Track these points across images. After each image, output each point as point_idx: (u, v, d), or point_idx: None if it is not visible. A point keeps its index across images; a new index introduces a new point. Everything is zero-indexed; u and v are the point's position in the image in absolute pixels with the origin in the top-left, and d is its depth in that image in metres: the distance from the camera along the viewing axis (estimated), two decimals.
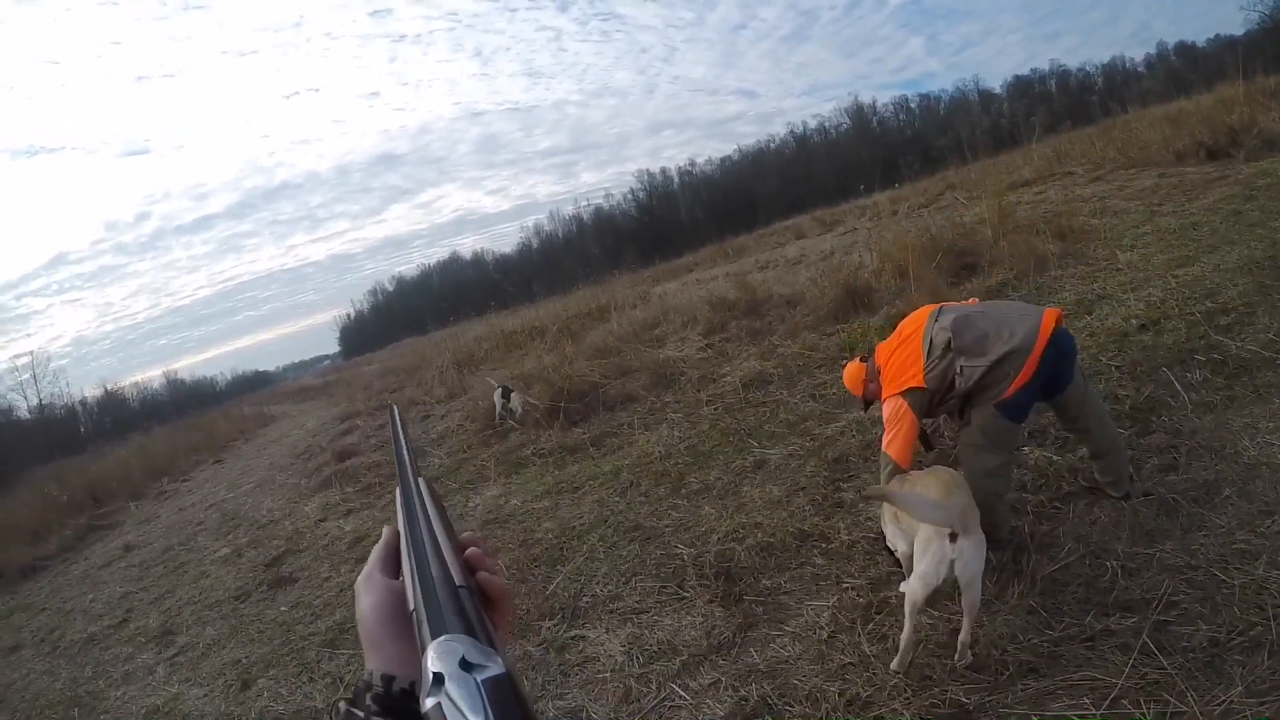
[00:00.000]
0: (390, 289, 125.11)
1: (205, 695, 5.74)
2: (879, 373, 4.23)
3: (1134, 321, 6.52)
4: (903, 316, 8.09)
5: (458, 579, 0.67)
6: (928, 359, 3.86)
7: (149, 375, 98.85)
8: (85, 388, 76.15)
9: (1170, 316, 6.43)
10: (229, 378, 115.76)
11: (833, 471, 5.52)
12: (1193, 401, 4.96)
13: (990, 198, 11.57)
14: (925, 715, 3.11)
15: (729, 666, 3.79)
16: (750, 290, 12.11)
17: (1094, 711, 2.87)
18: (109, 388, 71.75)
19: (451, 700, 0.50)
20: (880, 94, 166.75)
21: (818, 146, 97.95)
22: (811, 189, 72.78)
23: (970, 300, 4.55)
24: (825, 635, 3.75)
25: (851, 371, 4.55)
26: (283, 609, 6.77)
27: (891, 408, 3.95)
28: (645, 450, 7.30)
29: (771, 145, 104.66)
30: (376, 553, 0.83)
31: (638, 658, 4.09)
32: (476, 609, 0.64)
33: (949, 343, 3.80)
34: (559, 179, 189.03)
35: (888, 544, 3.95)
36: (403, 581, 0.76)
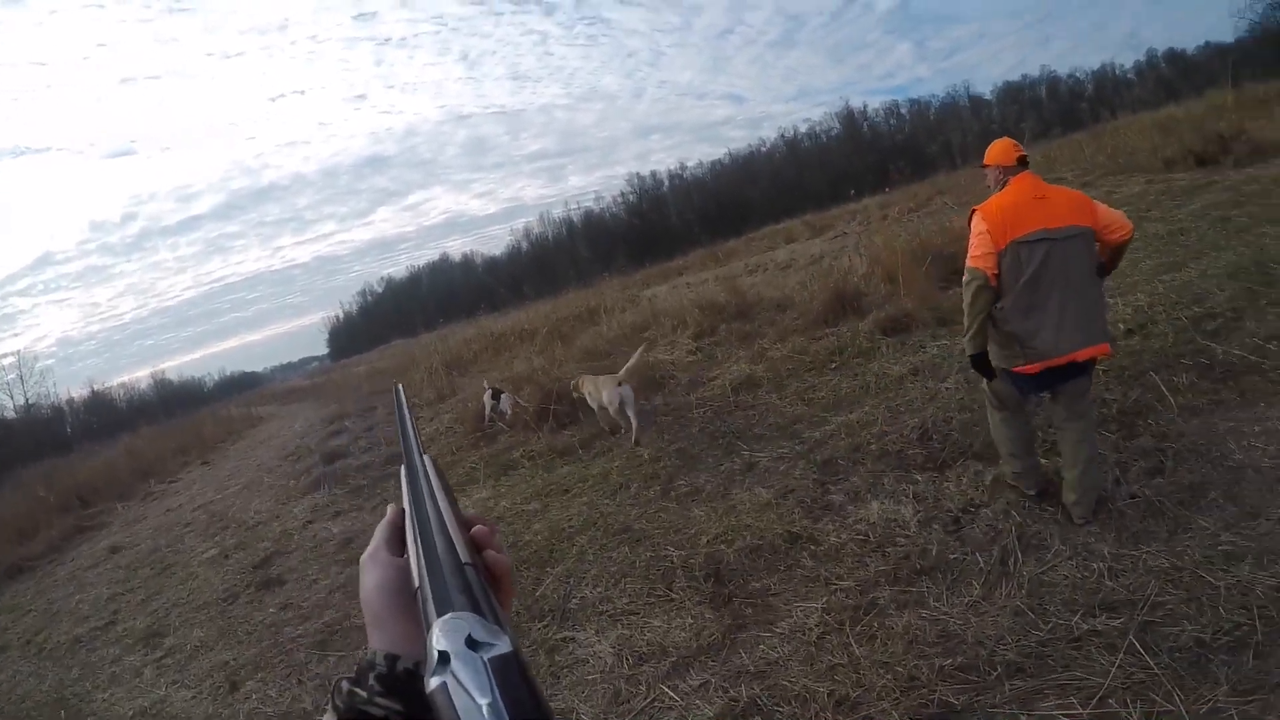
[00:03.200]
0: (379, 290, 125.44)
1: (193, 697, 5.73)
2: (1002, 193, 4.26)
3: (1121, 326, 6.60)
4: (892, 320, 8.23)
5: (464, 556, 0.66)
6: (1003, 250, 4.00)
7: (136, 376, 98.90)
8: (72, 388, 76.09)
9: (1157, 321, 6.51)
10: (217, 379, 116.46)
11: (822, 474, 5.54)
12: (1179, 405, 5.01)
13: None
14: (914, 715, 3.13)
15: (718, 668, 3.80)
16: (740, 294, 12.13)
17: (1081, 711, 2.89)
18: (96, 388, 71.97)
19: (457, 679, 0.49)
20: (871, 99, 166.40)
21: (809, 151, 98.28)
22: (802, 193, 73.13)
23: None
24: (814, 636, 3.77)
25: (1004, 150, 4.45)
26: (271, 611, 6.76)
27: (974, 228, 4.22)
28: (635, 453, 7.33)
29: (762, 149, 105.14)
30: (381, 530, 0.82)
31: (627, 659, 4.10)
32: (483, 587, 0.63)
33: (1013, 283, 3.99)
34: (547, 182, 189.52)
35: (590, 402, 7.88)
36: (407, 559, 0.75)
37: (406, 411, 1.03)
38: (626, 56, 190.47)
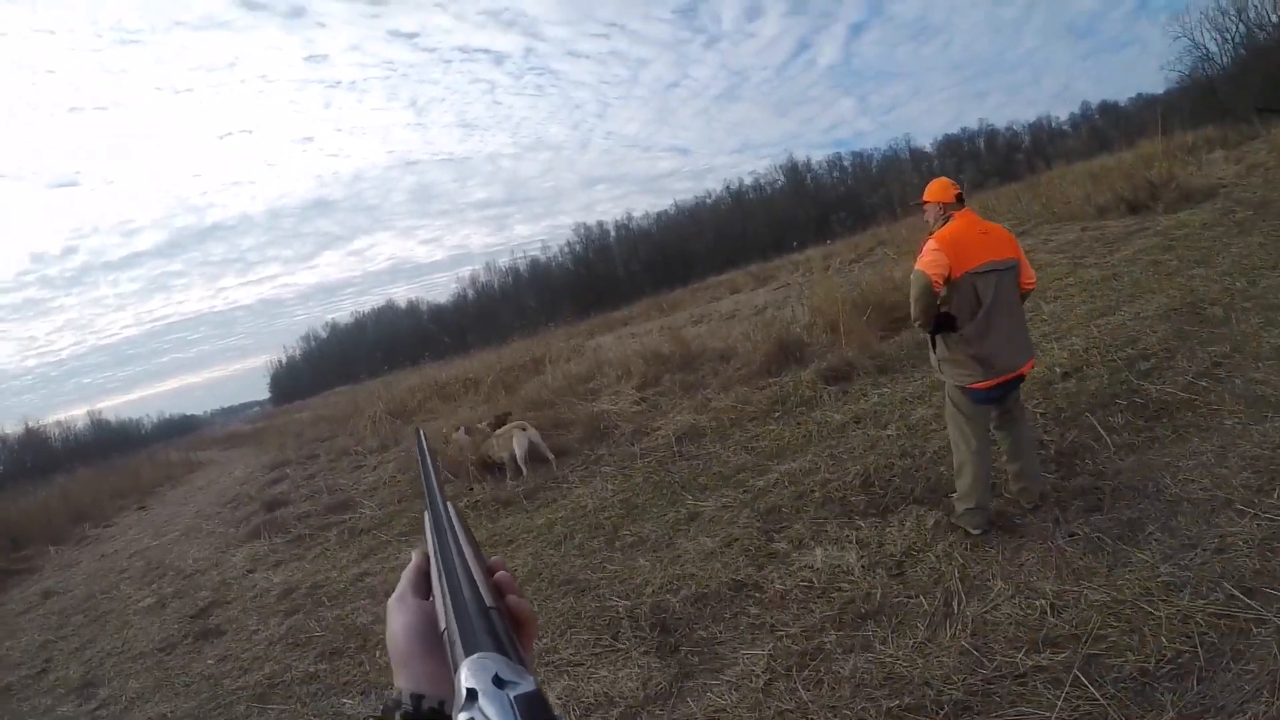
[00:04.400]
0: (323, 335, 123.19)
1: None
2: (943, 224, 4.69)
3: (1058, 370, 6.86)
4: (833, 370, 8.41)
5: (488, 600, 0.68)
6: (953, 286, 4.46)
7: (72, 414, 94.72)
8: (5, 424, 73.06)
9: (1093, 364, 6.79)
10: (155, 421, 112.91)
11: (765, 522, 5.59)
12: (1115, 444, 5.22)
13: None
14: None
15: (666, 717, 3.79)
16: (684, 344, 12.25)
17: None
18: (30, 425, 69.25)
19: (485, 715, 0.52)
20: (814, 152, 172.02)
21: (753, 202, 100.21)
22: (747, 244, 74.30)
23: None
24: (761, 683, 3.78)
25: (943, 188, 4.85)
26: (210, 662, 6.58)
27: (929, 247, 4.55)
28: (579, 503, 7.33)
29: (708, 201, 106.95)
30: (407, 575, 0.86)
31: (574, 710, 4.08)
32: (507, 630, 0.65)
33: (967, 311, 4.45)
34: (493, 230, 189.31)
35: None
36: (433, 602, 0.78)
37: (429, 457, 1.04)
38: (574, 107, 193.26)
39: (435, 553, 0.81)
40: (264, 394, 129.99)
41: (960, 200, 4.74)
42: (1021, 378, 4.59)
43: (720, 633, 4.40)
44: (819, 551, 4.87)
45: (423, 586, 0.83)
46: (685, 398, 9.77)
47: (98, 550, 14.40)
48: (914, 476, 5.58)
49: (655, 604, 4.85)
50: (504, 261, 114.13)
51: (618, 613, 4.89)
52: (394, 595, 0.83)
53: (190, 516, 14.97)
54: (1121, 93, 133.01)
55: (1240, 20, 54.73)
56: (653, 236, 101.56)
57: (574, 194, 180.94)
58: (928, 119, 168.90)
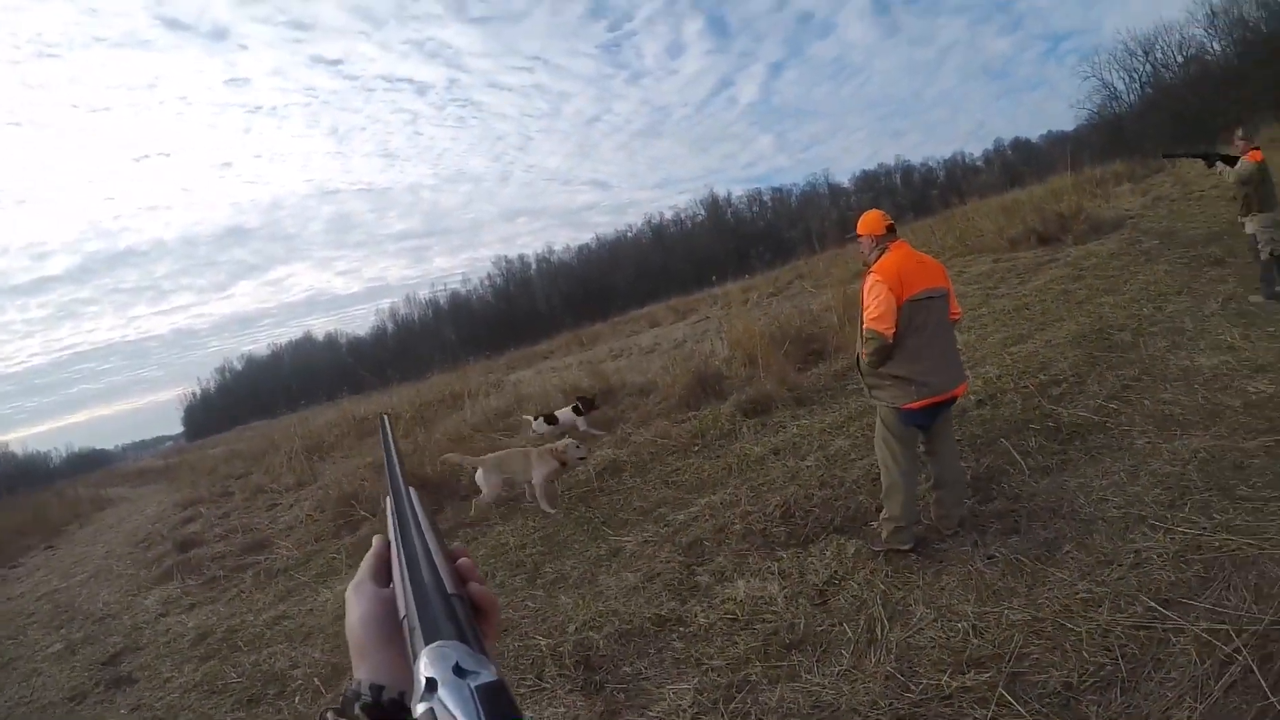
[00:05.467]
0: (239, 368, 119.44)
1: None
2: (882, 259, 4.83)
3: (973, 398, 7.08)
4: (752, 402, 8.54)
5: (450, 587, 0.68)
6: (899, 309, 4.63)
7: None
8: None
9: (1006, 391, 7.05)
10: (64, 454, 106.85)
11: (688, 556, 5.62)
12: (1030, 467, 5.42)
13: (836, 286, 12.26)
14: None
15: None
16: (604, 379, 12.30)
17: None
18: None
19: (444, 704, 0.51)
20: (734, 187, 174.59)
21: (674, 237, 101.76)
22: (667, 278, 75.37)
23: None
24: (689, 718, 3.78)
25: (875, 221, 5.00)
26: (123, 712, 6.30)
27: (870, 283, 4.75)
28: (500, 540, 7.25)
29: (629, 235, 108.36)
30: (367, 562, 0.84)
31: None
32: (469, 617, 0.65)
33: (901, 329, 4.64)
34: (412, 263, 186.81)
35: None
36: (393, 590, 0.77)
37: (393, 443, 1.04)
38: (496, 139, 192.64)
39: (396, 539, 0.80)
40: (177, 428, 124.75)
41: (892, 231, 4.93)
42: (953, 400, 4.77)
43: (645, 668, 4.39)
44: (741, 584, 4.90)
45: (383, 574, 0.82)
46: (605, 432, 9.79)
47: (2, 593, 13.69)
48: (834, 506, 5.67)
49: (579, 641, 4.82)
50: (423, 294, 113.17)
51: (541, 651, 4.84)
52: (352, 583, 0.82)
53: (100, 557, 14.32)
54: (1033, 130, 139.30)
55: (1147, 60, 58.42)
56: (573, 270, 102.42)
57: (494, 226, 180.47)
58: (846, 155, 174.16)
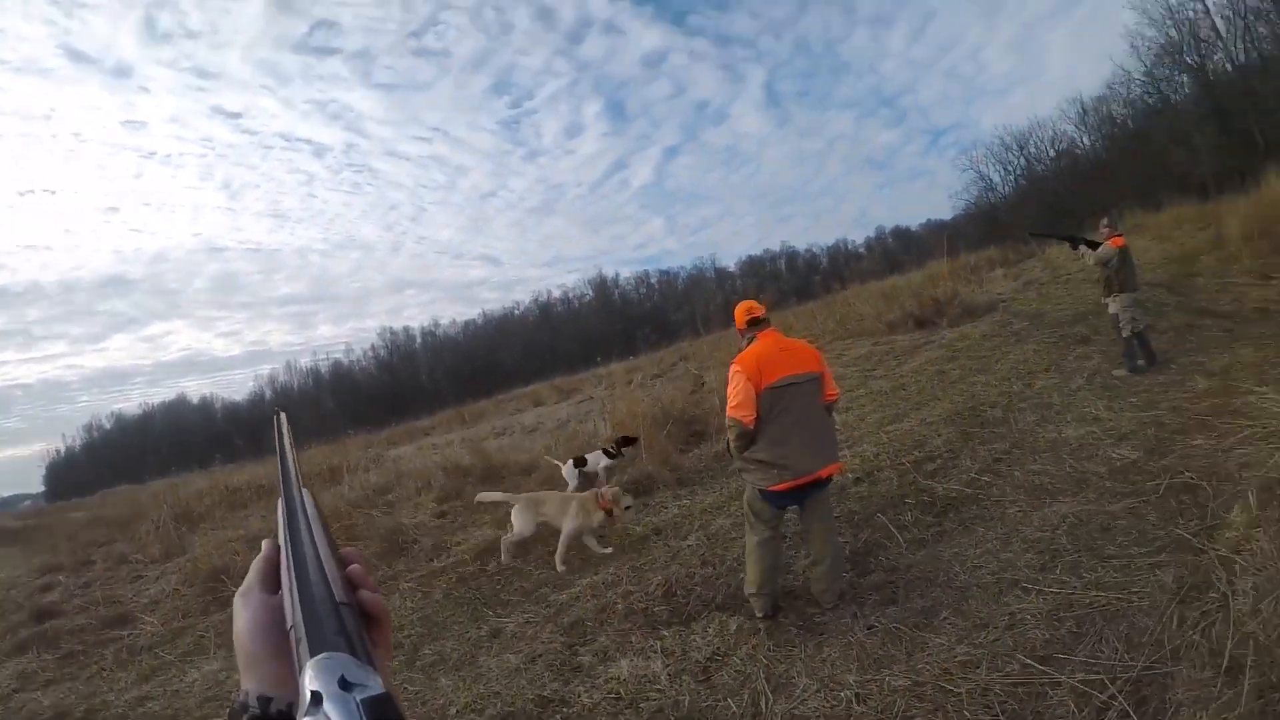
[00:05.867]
0: (107, 426, 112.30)
1: None
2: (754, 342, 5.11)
3: (850, 476, 7.26)
4: (634, 483, 8.57)
5: (339, 595, 0.66)
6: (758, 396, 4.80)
7: None
8: None
9: (883, 468, 7.26)
10: None
11: (570, 637, 5.54)
12: (906, 540, 5.58)
13: (719, 369, 12.43)
14: None
15: None
16: (486, 457, 12.15)
17: None
18: None
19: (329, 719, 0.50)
20: (623, 268, 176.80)
21: (561, 316, 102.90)
22: (554, 357, 75.80)
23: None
24: None
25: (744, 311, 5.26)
26: None
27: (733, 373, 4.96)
28: None
29: (516, 312, 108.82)
30: (256, 566, 0.81)
31: None
32: (358, 627, 0.63)
33: (760, 417, 4.81)
34: (296, 329, 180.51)
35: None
36: (282, 597, 0.73)
37: (288, 441, 0.99)
38: (389, 208, 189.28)
39: (286, 543, 0.77)
40: (37, 486, 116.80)
41: (760, 322, 5.15)
42: (821, 482, 4.87)
43: None
44: (625, 663, 4.85)
45: (271, 580, 0.79)
46: (487, 512, 9.63)
47: None
48: (715, 584, 5.69)
49: None
50: (305, 362, 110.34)
51: None
52: (240, 589, 0.79)
53: None
54: (913, 218, 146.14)
55: (1021, 154, 62.46)
56: (459, 345, 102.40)
57: (382, 297, 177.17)
58: (733, 240, 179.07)
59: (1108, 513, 5.17)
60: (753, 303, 5.28)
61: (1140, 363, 8.90)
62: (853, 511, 6.40)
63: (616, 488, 7.44)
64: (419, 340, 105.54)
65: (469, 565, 7.85)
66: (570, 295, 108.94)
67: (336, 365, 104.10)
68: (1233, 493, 5.00)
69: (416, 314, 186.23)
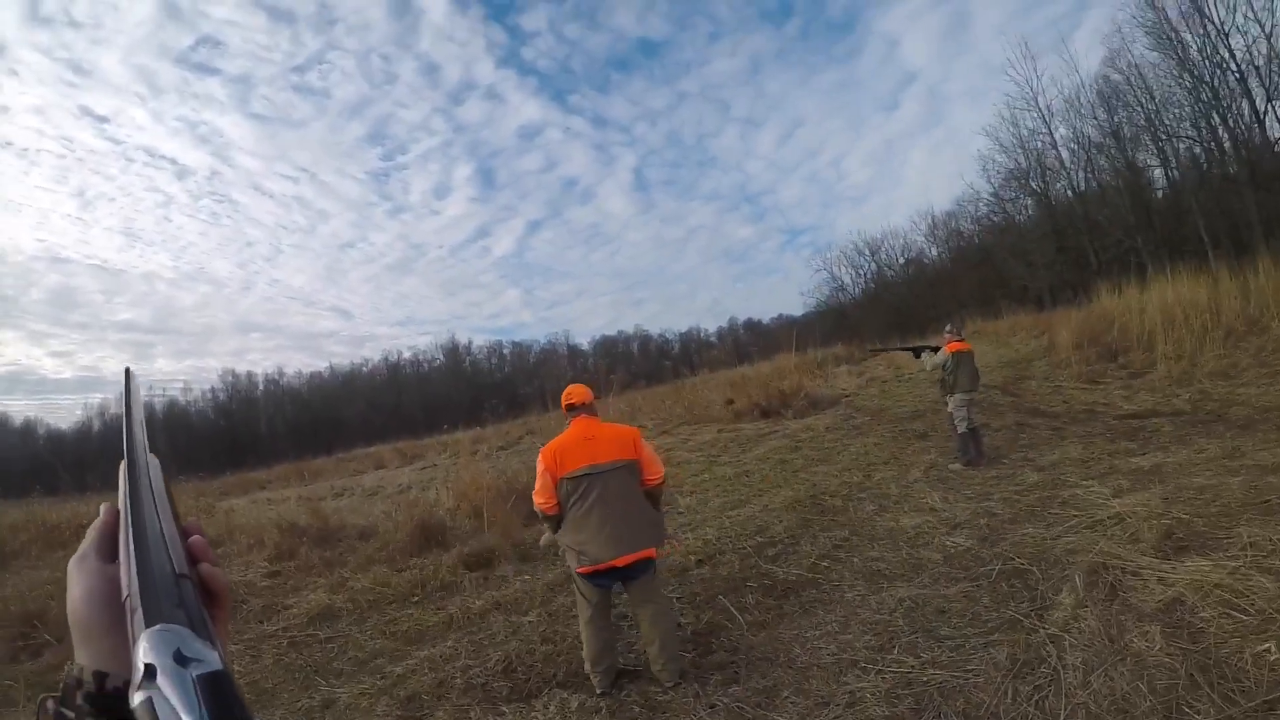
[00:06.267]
0: None
1: None
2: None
3: (693, 558, 7.33)
4: (475, 555, 8.42)
5: (179, 567, 0.63)
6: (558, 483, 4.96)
7: None
8: None
9: (725, 551, 7.35)
10: None
11: (406, 710, 5.31)
12: (748, 622, 5.60)
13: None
14: None
15: None
16: (323, 517, 11.69)
17: None
18: None
19: (163, 694, 0.48)
20: (476, 336, 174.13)
21: (410, 377, 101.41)
22: (399, 419, 74.56)
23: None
24: None
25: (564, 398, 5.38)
26: None
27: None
28: None
29: (364, 369, 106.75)
30: (92, 532, 0.75)
31: None
32: (197, 602, 0.61)
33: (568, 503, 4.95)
34: (133, 358, 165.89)
35: None
36: (119, 566, 0.68)
37: (137, 403, 0.92)
38: (245, 245, 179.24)
39: (126, 509, 0.72)
40: None
41: (575, 409, 5.26)
42: (639, 566, 4.92)
43: None
44: None
45: (109, 547, 0.73)
46: (321, 575, 9.24)
47: None
48: (556, 661, 5.58)
49: None
50: (142, 395, 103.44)
51: None
52: (76, 555, 0.73)
53: None
54: (765, 312, 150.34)
55: (873, 259, 66.43)
56: (303, 397, 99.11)
57: (226, 336, 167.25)
58: (588, 318, 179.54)
59: (943, 596, 5.36)
60: (573, 388, 5.37)
61: (971, 457, 9.40)
62: (695, 593, 6.41)
63: None
64: (261, 387, 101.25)
65: (301, 630, 7.50)
66: (421, 357, 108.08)
67: (172, 404, 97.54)
68: (1060, 576, 5.28)
69: (261, 359, 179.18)
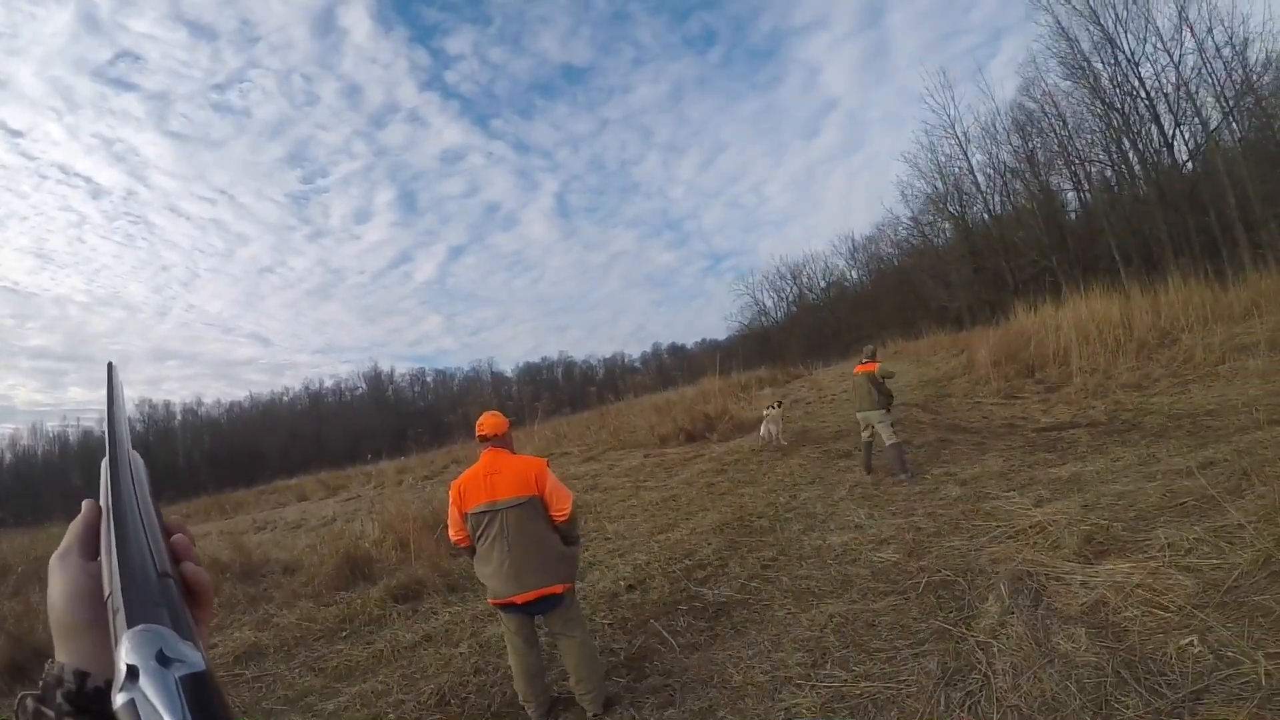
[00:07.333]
0: None
1: None
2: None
3: (623, 583, 7.36)
4: (403, 587, 8.35)
5: (161, 567, 0.63)
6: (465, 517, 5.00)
7: None
8: None
9: (654, 576, 7.39)
10: None
11: None
12: (680, 645, 5.66)
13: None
14: None
15: None
16: (246, 553, 11.43)
17: None
18: None
19: (145, 696, 0.48)
20: (399, 363, 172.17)
21: (331, 406, 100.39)
22: (321, 449, 73.59)
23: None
24: None
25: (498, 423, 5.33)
26: None
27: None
28: None
29: (285, 398, 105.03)
30: (74, 529, 0.75)
31: None
32: (180, 601, 0.61)
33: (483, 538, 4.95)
34: (45, 387, 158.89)
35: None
36: (101, 564, 0.68)
37: (119, 395, 0.91)
38: (161, 269, 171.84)
39: (109, 506, 0.72)
40: None
41: (487, 439, 5.24)
42: (549, 600, 4.90)
43: None
44: None
45: (91, 544, 0.74)
46: (245, 612, 9.03)
47: None
48: (490, 692, 5.57)
49: None
50: (52, 426, 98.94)
51: None
52: (58, 552, 0.74)
53: None
54: (689, 337, 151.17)
55: (795, 283, 67.61)
56: (222, 427, 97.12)
57: (142, 364, 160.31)
58: (512, 344, 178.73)
59: (872, 610, 5.48)
60: (485, 418, 5.33)
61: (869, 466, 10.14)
62: (625, 618, 6.44)
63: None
64: (179, 417, 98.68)
65: (228, 670, 7.33)
66: (343, 386, 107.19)
67: (86, 434, 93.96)
68: (986, 585, 5.45)
69: (178, 388, 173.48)
